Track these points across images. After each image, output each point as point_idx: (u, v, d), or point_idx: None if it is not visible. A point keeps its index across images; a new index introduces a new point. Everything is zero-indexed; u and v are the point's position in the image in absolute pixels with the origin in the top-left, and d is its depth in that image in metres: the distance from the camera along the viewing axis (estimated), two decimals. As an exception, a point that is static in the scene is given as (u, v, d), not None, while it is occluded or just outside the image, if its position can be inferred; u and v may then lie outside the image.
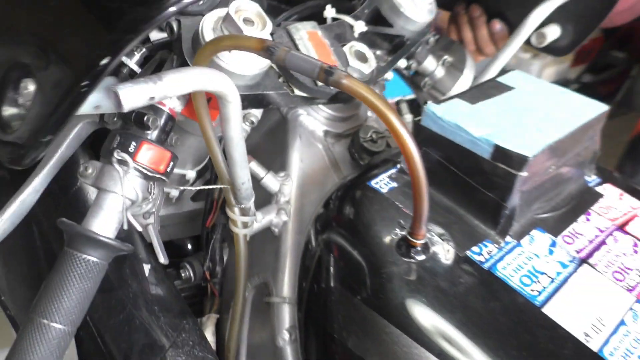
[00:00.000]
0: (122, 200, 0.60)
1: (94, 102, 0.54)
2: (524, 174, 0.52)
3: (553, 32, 0.90)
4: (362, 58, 0.74)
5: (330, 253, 0.60)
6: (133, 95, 0.43)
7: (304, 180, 0.73)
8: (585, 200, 0.63)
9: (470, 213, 0.58)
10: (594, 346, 0.48)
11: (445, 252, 0.54)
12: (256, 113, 0.71)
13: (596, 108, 0.62)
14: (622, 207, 0.64)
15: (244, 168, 0.59)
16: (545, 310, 0.50)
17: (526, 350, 0.48)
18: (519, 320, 0.50)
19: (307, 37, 0.68)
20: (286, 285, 0.68)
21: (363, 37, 0.80)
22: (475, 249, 0.55)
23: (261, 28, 0.61)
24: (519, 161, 0.52)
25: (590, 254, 0.56)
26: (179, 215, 0.92)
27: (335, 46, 0.71)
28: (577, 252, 0.56)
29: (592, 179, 0.68)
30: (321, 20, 0.75)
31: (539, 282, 0.52)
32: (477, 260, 0.54)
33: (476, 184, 0.56)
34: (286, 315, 0.67)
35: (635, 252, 0.58)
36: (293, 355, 0.66)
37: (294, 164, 0.74)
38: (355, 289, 0.55)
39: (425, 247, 0.54)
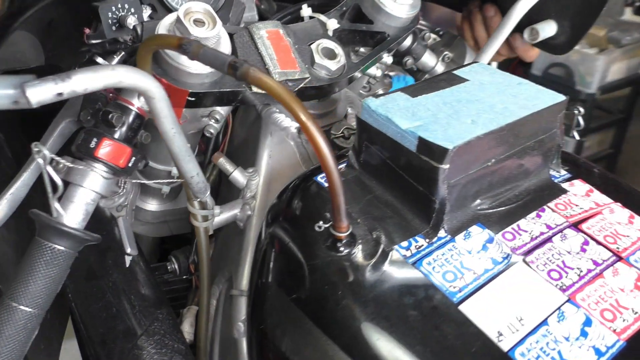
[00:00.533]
0: (89, 194, 0.64)
1: (13, 98, 0.57)
2: (444, 166, 0.51)
3: (549, 29, 0.86)
4: (330, 55, 0.74)
5: (272, 247, 0.61)
6: (39, 92, 0.46)
7: (272, 177, 0.74)
8: (543, 196, 0.60)
9: (406, 207, 0.57)
10: (505, 345, 0.46)
11: (371, 246, 0.54)
12: (221, 110, 0.73)
13: (550, 99, 0.59)
14: (584, 204, 0.60)
15: (187, 162, 0.61)
16: (462, 307, 0.49)
17: (431, 346, 0.47)
18: (430, 316, 0.49)
19: (267, 36, 0.69)
20: (245, 278, 0.70)
21: (341, 35, 0.80)
22: (404, 243, 0.54)
23: (211, 27, 0.63)
24: (439, 153, 0.51)
25: (529, 252, 0.54)
26: (179, 210, 0.96)
27: (300, 44, 0.72)
28: (515, 249, 0.54)
29: (560, 174, 0.64)
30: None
31: (463, 278, 0.51)
32: (403, 254, 0.53)
33: (408, 177, 0.55)
34: (242, 308, 0.68)
35: (583, 250, 0.54)
36: (247, 347, 0.67)
37: (263, 160, 0.75)
38: (287, 285, 0.56)
39: (351, 241, 0.54)
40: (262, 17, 0.89)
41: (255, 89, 0.68)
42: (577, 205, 0.60)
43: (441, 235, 0.55)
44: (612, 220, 0.59)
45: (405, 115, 0.55)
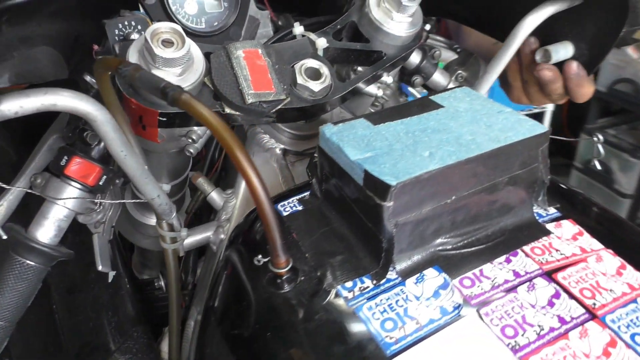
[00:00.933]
0: (62, 210, 0.65)
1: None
2: (388, 204, 0.46)
3: (564, 51, 0.78)
4: (315, 75, 0.71)
5: (225, 270, 0.58)
6: (-32, 115, 0.46)
7: (250, 199, 0.72)
8: (520, 237, 0.54)
9: (360, 243, 0.53)
10: (433, 410, 0.41)
11: (313, 285, 0.50)
12: (198, 130, 0.71)
13: (527, 130, 0.53)
14: (567, 249, 0.54)
15: (145, 184, 0.60)
16: (395, 361, 0.44)
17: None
18: (357, 368, 0.44)
19: (243, 57, 0.67)
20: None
21: (334, 54, 0.77)
22: (349, 284, 0.50)
23: (180, 47, 0.62)
24: (382, 189, 0.46)
25: (486, 302, 0.48)
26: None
27: (282, 64, 0.70)
28: (471, 298, 0.48)
29: (548, 212, 0.58)
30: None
31: (403, 328, 0.46)
32: (344, 296, 0.49)
33: (359, 212, 0.51)
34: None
35: (551, 304, 0.48)
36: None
37: (242, 182, 0.73)
38: (225, 315, 0.53)
39: (293, 277, 0.51)
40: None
41: (227, 110, 0.66)
42: (557, 251, 0.53)
43: (391, 277, 0.50)
44: (596, 270, 0.52)
45: (358, 145, 0.51)
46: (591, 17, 0.72)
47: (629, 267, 0.52)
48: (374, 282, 0.50)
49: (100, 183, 0.66)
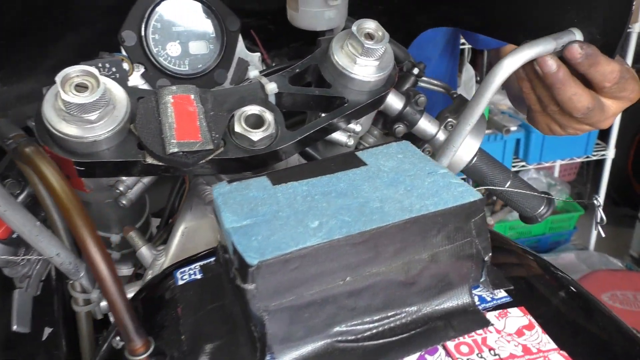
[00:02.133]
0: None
1: None
2: (249, 286, 0.38)
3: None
4: (257, 123, 0.64)
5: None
6: None
7: (180, 257, 0.65)
8: (446, 328, 0.44)
9: (245, 326, 0.44)
10: None
11: (178, 377, 0.42)
12: (127, 180, 0.66)
13: (453, 199, 0.43)
14: (505, 347, 0.43)
15: (38, 242, 0.54)
16: None
17: None
18: None
19: (171, 102, 0.61)
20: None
21: (292, 100, 0.70)
22: (218, 378, 0.41)
23: (94, 91, 0.57)
24: (244, 269, 0.38)
25: (375, 416, 0.38)
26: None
27: (219, 111, 0.63)
28: (357, 408, 0.38)
29: (496, 297, 0.47)
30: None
31: None
32: (207, 394, 0.40)
33: (234, 292, 0.43)
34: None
35: None
36: None
37: (176, 237, 0.67)
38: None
39: (156, 365, 0.43)
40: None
41: (149, 160, 0.60)
42: (491, 349, 0.42)
43: (269, 373, 0.41)
44: (536, 379, 0.40)
45: (241, 210, 0.43)
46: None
47: (583, 377, 0.41)
48: (248, 377, 0.41)
49: (14, 236, 0.61)
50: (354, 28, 0.67)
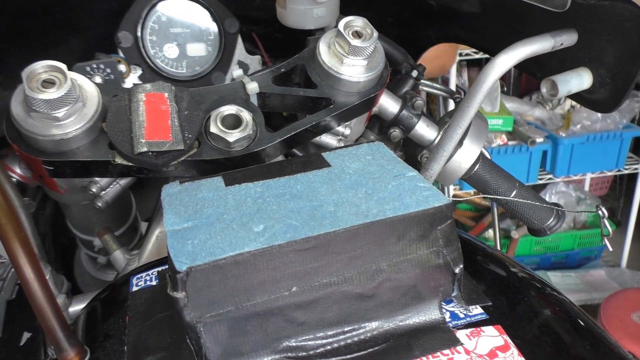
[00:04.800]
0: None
1: None
2: (178, 294, 0.35)
3: (577, 81, 0.62)
4: (235, 125, 0.61)
5: None
6: None
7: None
8: (410, 346, 0.40)
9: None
10: None
11: (111, 390, 0.39)
12: (100, 181, 0.63)
13: (415, 203, 0.39)
14: (472, 370, 0.38)
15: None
16: None
17: None
18: None
19: (144, 100, 0.59)
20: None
21: (277, 101, 0.67)
22: (154, 393, 0.38)
23: (61, 86, 0.55)
24: (173, 275, 0.35)
25: None
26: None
27: (193, 110, 0.61)
28: None
29: (470, 313, 0.43)
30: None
31: None
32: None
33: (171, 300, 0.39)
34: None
35: None
36: None
37: (150, 243, 0.64)
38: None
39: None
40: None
41: (118, 160, 0.58)
42: (456, 372, 0.38)
43: (211, 389, 0.37)
44: (503, 408, 0.36)
45: (185, 212, 0.40)
46: (608, 37, 0.57)
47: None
48: (183, 395, 0.37)
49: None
50: (340, 26, 0.63)
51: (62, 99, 0.54)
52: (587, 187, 2.64)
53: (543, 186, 2.43)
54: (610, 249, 0.59)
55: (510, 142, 2.19)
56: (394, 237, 0.38)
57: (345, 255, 0.37)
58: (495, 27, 0.73)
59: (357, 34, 0.64)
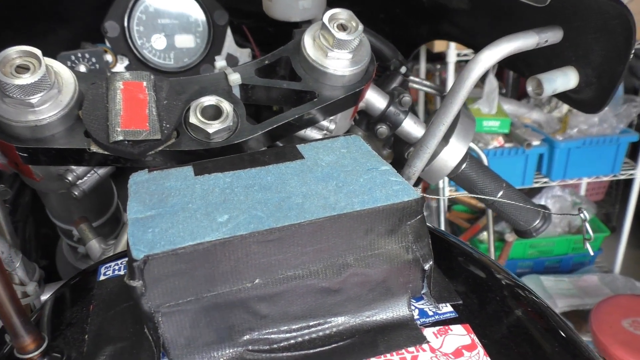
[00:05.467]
0: None
1: None
2: (135, 283, 0.34)
3: (562, 80, 0.61)
4: (215, 115, 0.60)
5: None
6: None
7: (129, 254, 0.62)
8: (374, 342, 0.39)
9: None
10: None
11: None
12: (76, 170, 0.63)
13: (386, 196, 0.38)
14: (437, 369, 0.37)
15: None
16: None
17: None
18: None
19: (121, 89, 0.58)
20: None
21: (260, 93, 0.66)
22: (112, 383, 0.37)
23: (36, 73, 0.54)
24: (130, 263, 0.34)
25: None
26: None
27: (172, 100, 0.60)
28: None
29: (439, 311, 0.42)
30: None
31: None
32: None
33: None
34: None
35: None
36: None
37: (126, 232, 0.63)
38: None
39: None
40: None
41: (93, 148, 0.57)
42: (420, 371, 0.37)
43: (170, 381, 0.37)
44: (466, 408, 0.35)
45: (150, 200, 0.39)
46: (594, 35, 0.56)
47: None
48: (144, 385, 0.37)
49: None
50: (325, 18, 0.63)
51: (36, 84, 0.53)
52: (583, 192, 2.63)
53: (539, 190, 2.42)
54: (591, 253, 0.59)
55: (506, 145, 2.18)
56: (362, 231, 0.37)
57: (311, 248, 0.37)
58: (484, 24, 0.72)
59: (342, 27, 0.63)
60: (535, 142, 2.17)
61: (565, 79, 0.61)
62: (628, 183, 2.40)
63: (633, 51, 0.55)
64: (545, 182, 2.30)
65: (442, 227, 2.10)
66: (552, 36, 0.58)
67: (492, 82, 2.18)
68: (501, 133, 2.18)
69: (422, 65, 2.26)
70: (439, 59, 2.25)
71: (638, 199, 2.35)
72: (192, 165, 0.44)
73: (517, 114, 2.32)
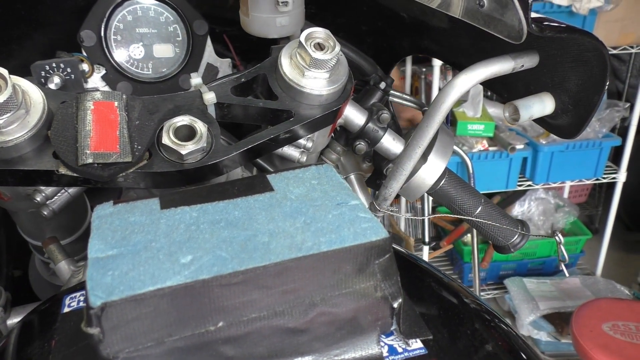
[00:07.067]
0: None
1: None
2: (92, 330, 0.33)
3: (538, 106, 0.61)
4: (189, 136, 0.59)
5: None
6: None
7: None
8: (342, 385, 0.38)
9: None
10: None
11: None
12: (46, 191, 0.61)
13: (354, 236, 0.37)
14: (404, 412, 0.37)
15: None
16: None
17: None
18: None
19: (92, 109, 0.57)
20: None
21: (237, 112, 0.65)
22: None
23: (2, 93, 0.53)
24: (87, 309, 0.33)
25: None
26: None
27: (144, 120, 0.58)
28: None
29: (409, 348, 0.41)
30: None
31: None
32: None
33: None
34: None
35: None
36: None
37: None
38: None
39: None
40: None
41: (62, 170, 0.56)
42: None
43: None
44: None
45: (111, 237, 0.38)
46: (571, 64, 0.56)
47: None
48: None
49: None
50: (302, 37, 0.62)
51: (3, 105, 0.52)
52: (566, 194, 2.65)
53: (522, 192, 2.43)
54: (567, 275, 0.59)
55: (491, 148, 2.18)
56: (329, 271, 0.37)
57: (276, 289, 0.36)
58: (464, 44, 0.72)
59: (319, 46, 0.62)
60: (519, 146, 2.18)
61: (542, 105, 0.61)
62: (611, 186, 2.43)
63: (607, 83, 0.55)
64: (529, 185, 2.31)
65: (427, 231, 2.09)
66: (529, 61, 0.57)
67: (477, 86, 2.18)
68: (485, 136, 2.18)
69: (408, 68, 2.26)
70: (425, 61, 2.25)
71: (620, 202, 2.37)
72: (160, 197, 0.43)
73: (501, 117, 2.33)
